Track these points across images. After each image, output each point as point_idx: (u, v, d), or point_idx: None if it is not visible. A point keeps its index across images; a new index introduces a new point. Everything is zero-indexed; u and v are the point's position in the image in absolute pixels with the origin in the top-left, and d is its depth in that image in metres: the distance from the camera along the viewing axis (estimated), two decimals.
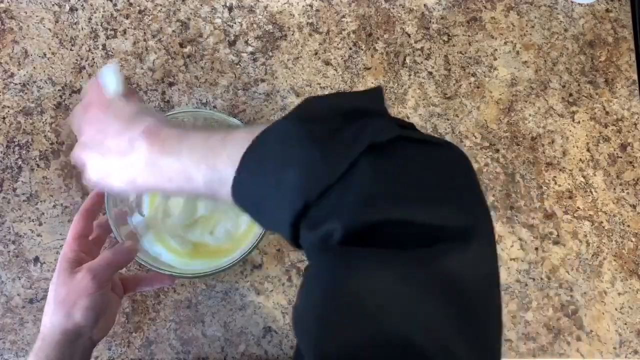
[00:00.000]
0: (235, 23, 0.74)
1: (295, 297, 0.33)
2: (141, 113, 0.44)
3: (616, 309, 0.68)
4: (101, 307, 0.52)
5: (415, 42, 0.75)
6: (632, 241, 0.70)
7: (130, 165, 0.42)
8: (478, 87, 0.74)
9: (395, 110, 0.72)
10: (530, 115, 0.73)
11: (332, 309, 0.30)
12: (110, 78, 0.47)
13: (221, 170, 0.38)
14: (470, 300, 0.30)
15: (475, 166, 0.71)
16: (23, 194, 0.68)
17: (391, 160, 0.33)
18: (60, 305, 0.51)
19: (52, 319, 0.51)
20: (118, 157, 0.43)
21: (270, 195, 0.36)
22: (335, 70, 0.73)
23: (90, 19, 0.74)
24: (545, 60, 0.75)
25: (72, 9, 0.74)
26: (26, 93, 0.71)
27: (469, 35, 0.75)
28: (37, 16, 0.74)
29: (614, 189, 0.71)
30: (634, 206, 0.71)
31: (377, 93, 0.39)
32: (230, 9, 0.75)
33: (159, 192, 0.62)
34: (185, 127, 0.42)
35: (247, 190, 0.37)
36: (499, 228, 0.70)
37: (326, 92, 0.72)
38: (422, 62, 0.74)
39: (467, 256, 0.30)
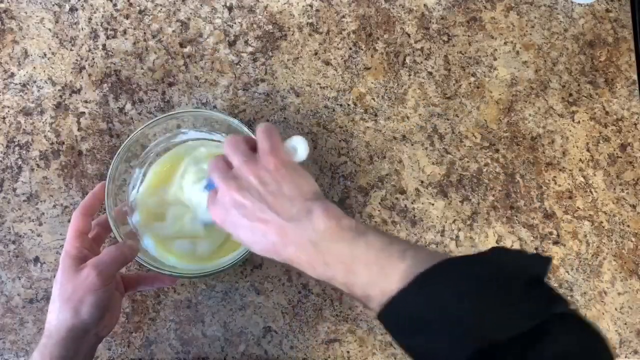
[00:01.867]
0: (235, 23, 0.74)
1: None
2: (320, 194, 0.43)
3: (616, 309, 0.68)
4: (106, 304, 0.53)
5: (415, 42, 0.75)
6: (632, 241, 0.70)
7: (292, 232, 0.41)
8: (478, 87, 0.74)
9: (395, 110, 0.72)
10: (530, 115, 0.73)
11: None
12: (301, 145, 0.47)
13: (390, 280, 0.37)
14: None
15: (475, 166, 0.71)
16: (23, 194, 0.68)
17: (573, 332, 0.36)
18: (66, 303, 0.51)
19: (58, 316, 0.51)
20: (282, 220, 0.41)
21: (443, 320, 0.35)
22: (335, 70, 0.73)
23: (90, 19, 0.74)
24: (545, 60, 0.75)
25: (72, 9, 0.74)
26: (26, 93, 0.71)
27: (469, 35, 0.75)
28: (37, 16, 0.74)
29: (614, 189, 0.71)
30: (634, 206, 0.71)
31: (548, 262, 0.39)
32: (230, 9, 0.75)
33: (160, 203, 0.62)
34: (364, 223, 0.42)
35: (410, 308, 0.36)
36: (498, 228, 0.70)
37: (326, 93, 0.72)
38: (422, 62, 0.74)
39: None
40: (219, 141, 0.66)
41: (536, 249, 0.69)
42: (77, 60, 0.72)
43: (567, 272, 0.69)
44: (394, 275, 0.37)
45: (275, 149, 0.45)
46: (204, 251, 0.62)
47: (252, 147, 0.47)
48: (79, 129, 0.70)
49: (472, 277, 0.36)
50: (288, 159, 0.45)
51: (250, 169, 0.44)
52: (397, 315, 0.37)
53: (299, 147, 0.47)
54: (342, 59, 0.74)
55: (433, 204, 0.70)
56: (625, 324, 0.68)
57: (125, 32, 0.73)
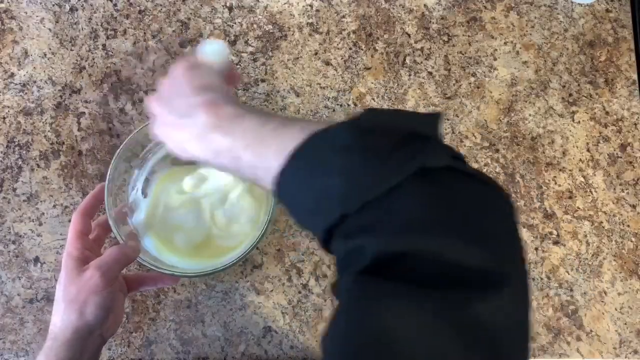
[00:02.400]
0: (235, 23, 0.74)
1: (326, 325, 0.34)
2: (213, 86, 0.45)
3: (616, 309, 0.68)
4: (110, 304, 0.53)
5: (415, 42, 0.75)
6: (632, 241, 0.70)
7: (184, 130, 0.43)
8: (478, 87, 0.74)
9: None
10: (530, 115, 0.73)
11: (358, 346, 0.30)
12: (212, 45, 0.48)
13: (268, 160, 0.38)
14: (500, 350, 0.30)
15: (475, 166, 0.71)
16: (23, 194, 0.68)
17: (439, 189, 0.33)
18: (70, 304, 0.51)
19: (62, 318, 0.51)
20: (177, 118, 0.44)
21: (311, 196, 0.36)
22: (335, 70, 0.73)
23: (90, 19, 0.74)
24: (545, 60, 0.75)
25: (72, 9, 0.74)
26: (26, 93, 0.71)
27: (469, 35, 0.75)
28: (37, 16, 0.74)
29: (614, 189, 0.71)
30: (634, 206, 0.71)
31: (435, 118, 0.38)
32: (230, 9, 0.75)
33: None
34: (248, 108, 0.43)
35: (289, 184, 0.37)
36: None
37: (326, 93, 0.72)
38: (422, 62, 0.74)
39: (500, 304, 0.30)
40: None
41: (536, 249, 0.69)
42: (77, 60, 0.72)
43: (567, 272, 0.69)
44: (270, 155, 0.38)
45: (185, 58, 0.48)
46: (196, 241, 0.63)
47: None
48: (79, 129, 0.70)
49: (335, 148, 0.36)
50: (195, 64, 0.47)
51: (163, 80, 0.47)
52: (285, 191, 0.38)
53: (210, 49, 0.48)
54: (342, 59, 0.74)
55: None
56: (625, 324, 0.68)
57: (125, 32, 0.73)
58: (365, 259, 0.31)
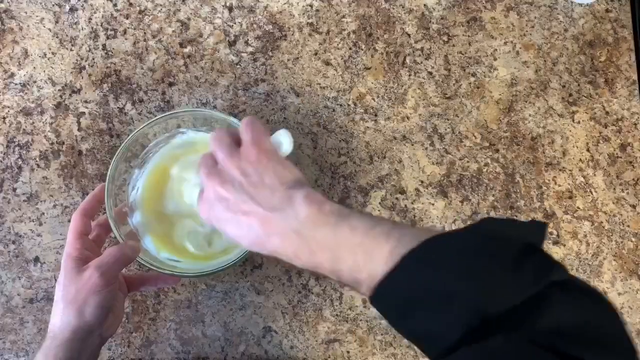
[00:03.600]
0: (235, 23, 0.74)
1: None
2: (302, 180, 0.43)
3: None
4: (110, 304, 0.53)
5: (415, 42, 0.75)
6: (632, 241, 0.70)
7: (274, 222, 0.40)
8: (478, 87, 0.74)
9: (395, 110, 0.72)
10: (530, 115, 0.73)
11: None
12: (285, 138, 0.46)
13: (376, 263, 0.36)
14: None
15: (475, 166, 0.71)
16: (23, 194, 0.68)
17: (577, 300, 0.34)
18: (70, 304, 0.51)
19: (62, 318, 0.51)
20: (264, 210, 0.40)
21: (432, 300, 0.34)
22: (335, 70, 0.73)
23: (90, 19, 0.74)
24: (545, 60, 0.75)
25: (72, 9, 0.74)
26: (26, 93, 0.71)
27: (469, 35, 0.75)
28: (37, 16, 0.74)
29: (614, 189, 0.71)
30: (634, 206, 0.71)
31: (543, 229, 0.38)
32: (230, 9, 0.75)
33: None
34: (349, 209, 0.40)
35: (399, 289, 0.35)
36: None
37: (326, 93, 0.72)
38: (422, 62, 0.74)
39: None
40: None
41: None
42: (77, 60, 0.72)
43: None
44: (380, 258, 0.36)
45: (256, 140, 0.44)
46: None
47: (237, 140, 0.46)
48: (79, 129, 0.70)
49: (460, 251, 0.35)
50: (271, 150, 0.45)
51: (232, 161, 0.44)
52: (387, 298, 0.36)
53: (283, 140, 0.47)
54: (342, 59, 0.74)
55: (433, 204, 0.70)
56: (625, 324, 0.68)
57: (125, 32, 0.73)
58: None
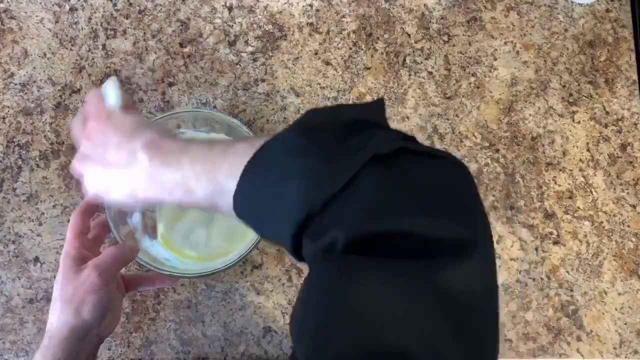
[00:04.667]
0: (235, 23, 0.74)
1: (295, 302, 0.33)
2: (141, 126, 0.44)
3: (616, 309, 0.68)
4: (108, 304, 0.53)
5: (415, 42, 0.75)
6: (632, 241, 0.70)
7: (131, 177, 0.42)
8: (478, 87, 0.74)
9: (395, 110, 0.72)
10: (530, 115, 0.73)
11: (331, 318, 0.30)
12: (111, 92, 0.48)
13: (222, 182, 0.37)
14: (469, 314, 0.30)
15: (475, 166, 0.71)
16: (23, 194, 0.68)
17: (394, 171, 0.33)
18: (67, 303, 0.51)
19: (59, 317, 0.51)
20: (119, 169, 0.43)
21: (272, 206, 0.36)
22: (335, 70, 0.73)
23: (90, 19, 0.74)
24: (545, 60, 0.75)
25: (72, 9, 0.74)
26: (26, 93, 0.71)
27: (469, 35, 0.75)
28: (37, 16, 0.74)
29: (614, 189, 0.71)
30: (634, 206, 0.71)
31: (379, 105, 0.39)
32: (230, 9, 0.75)
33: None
34: (186, 140, 0.42)
35: (248, 201, 0.37)
36: (499, 228, 0.70)
37: (326, 93, 0.72)
38: (422, 62, 0.74)
39: (466, 270, 0.30)
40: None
41: (536, 249, 0.69)
42: (77, 60, 0.72)
43: (567, 272, 0.69)
44: (221, 176, 0.38)
45: (93, 108, 0.47)
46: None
47: (85, 117, 0.49)
48: None
49: (283, 152, 0.36)
50: (105, 113, 0.47)
51: (82, 140, 0.47)
52: (242, 213, 0.38)
53: (109, 93, 0.48)
54: (342, 59, 0.74)
55: None
56: (625, 324, 0.68)
57: (125, 32, 0.73)
58: (335, 251, 0.32)
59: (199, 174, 0.39)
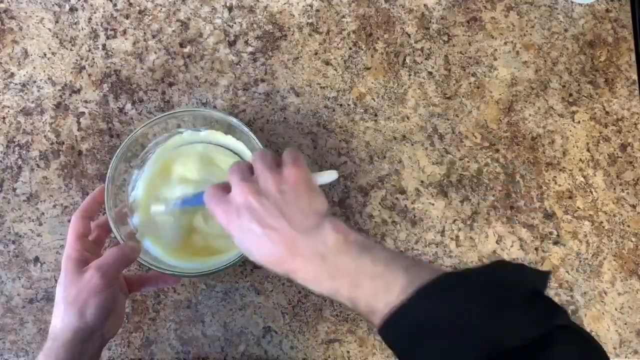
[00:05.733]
0: (235, 23, 0.74)
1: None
2: (331, 214, 0.44)
3: (616, 309, 0.68)
4: (111, 305, 0.53)
5: (415, 42, 0.75)
6: (632, 241, 0.70)
7: (300, 243, 0.41)
8: (478, 87, 0.74)
9: (395, 110, 0.72)
10: (530, 115, 0.73)
11: None
12: (331, 176, 0.47)
13: (393, 293, 0.37)
14: None
15: (475, 166, 0.71)
16: (23, 194, 0.68)
17: (581, 342, 0.37)
18: (71, 305, 0.51)
19: (63, 319, 0.51)
20: (294, 231, 0.41)
21: (443, 335, 0.36)
22: (335, 70, 0.73)
23: (90, 19, 0.74)
24: (545, 60, 0.75)
25: (72, 9, 0.74)
26: (26, 93, 0.71)
27: (469, 35, 0.75)
28: (37, 16, 0.74)
29: (614, 189, 0.71)
30: (634, 206, 0.71)
31: (546, 277, 0.41)
32: (230, 9, 0.75)
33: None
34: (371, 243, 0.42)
35: (411, 320, 0.37)
36: (499, 228, 0.70)
37: (326, 93, 0.72)
38: (422, 62, 0.74)
39: None
40: (217, 144, 0.66)
41: (536, 249, 0.69)
42: (77, 60, 0.72)
43: (567, 272, 0.69)
44: (397, 289, 0.38)
45: (299, 165, 0.44)
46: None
47: (278, 163, 0.46)
48: (79, 129, 0.70)
49: (473, 288, 0.37)
50: (310, 178, 0.45)
51: (272, 176, 0.43)
52: (398, 327, 0.37)
53: (326, 178, 0.47)
54: (342, 59, 0.74)
55: (433, 204, 0.70)
56: (625, 324, 0.68)
57: (125, 32, 0.73)
58: None
59: (376, 276, 0.39)
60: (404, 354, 0.38)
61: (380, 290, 0.38)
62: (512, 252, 0.69)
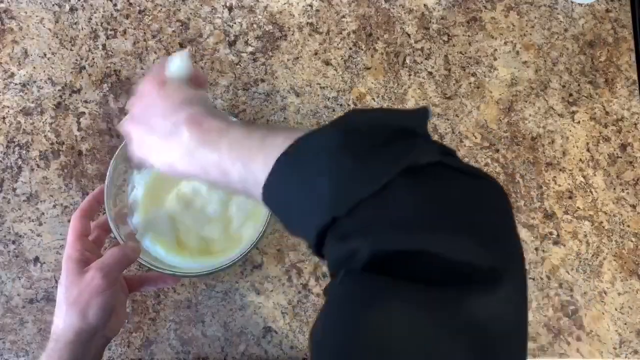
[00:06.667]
0: (235, 23, 0.74)
1: (315, 319, 0.33)
2: (190, 100, 0.44)
3: (616, 309, 0.68)
4: (113, 305, 0.53)
5: (415, 42, 0.75)
6: (632, 241, 0.70)
7: (170, 149, 0.42)
8: (478, 87, 0.74)
9: None
10: (530, 115, 0.73)
11: (351, 341, 0.29)
12: (175, 61, 0.48)
13: (255, 172, 0.37)
14: (494, 348, 0.29)
15: (475, 166, 0.71)
16: (23, 194, 0.68)
17: (427, 186, 0.33)
18: (72, 306, 0.51)
19: (65, 320, 0.51)
20: (160, 138, 0.43)
21: (300, 202, 0.35)
22: (335, 70, 0.73)
23: (90, 19, 0.74)
24: (545, 60, 0.75)
25: (72, 9, 0.74)
26: (26, 93, 0.71)
27: (469, 35, 0.75)
28: (37, 16, 0.74)
29: (614, 189, 0.71)
30: (634, 206, 0.71)
31: (422, 114, 0.38)
32: (230, 9, 0.75)
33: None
34: (230, 120, 0.42)
35: (278, 194, 0.37)
36: None
37: (326, 93, 0.72)
38: (422, 62, 0.74)
39: (495, 300, 0.29)
40: None
41: (536, 249, 0.69)
42: (77, 60, 0.72)
43: (567, 272, 0.69)
44: (257, 165, 0.37)
45: (149, 77, 0.47)
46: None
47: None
48: (79, 129, 0.70)
49: (320, 150, 0.35)
50: (163, 80, 0.47)
51: (135, 102, 0.47)
52: (272, 203, 0.38)
53: (173, 62, 0.48)
54: (342, 59, 0.74)
55: None
56: (625, 324, 0.68)
57: (125, 32, 0.73)
58: (358, 260, 0.31)
59: (234, 159, 0.39)
60: (285, 227, 0.39)
61: (243, 172, 0.38)
62: None
